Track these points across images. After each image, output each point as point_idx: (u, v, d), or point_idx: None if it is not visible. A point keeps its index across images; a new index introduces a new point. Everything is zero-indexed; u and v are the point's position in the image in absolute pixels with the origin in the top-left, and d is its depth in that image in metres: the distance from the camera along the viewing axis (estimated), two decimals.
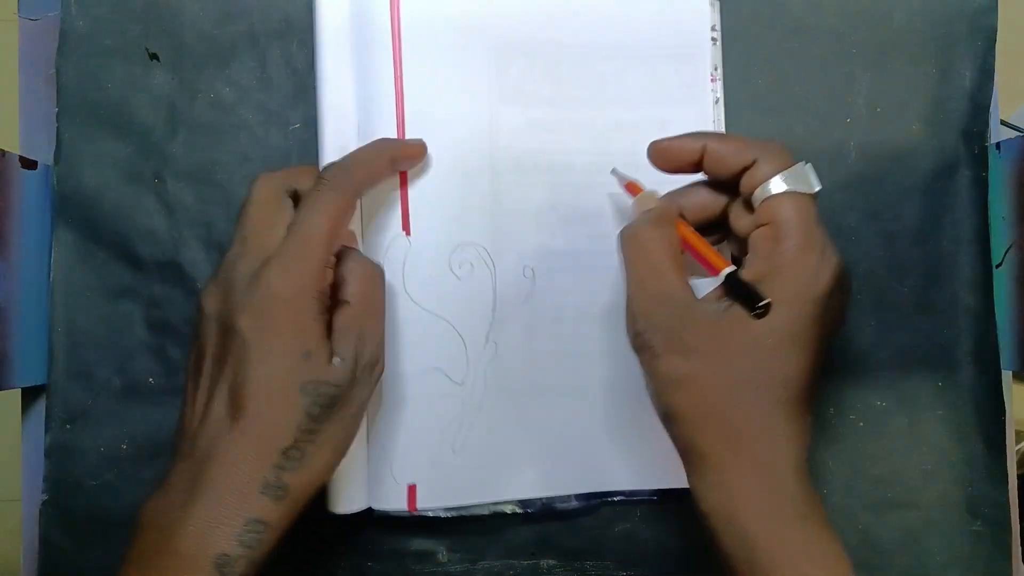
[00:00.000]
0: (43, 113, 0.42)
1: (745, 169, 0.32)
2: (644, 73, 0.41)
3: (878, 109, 0.42)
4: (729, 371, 0.30)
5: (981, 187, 0.41)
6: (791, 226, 0.31)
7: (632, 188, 0.37)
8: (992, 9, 0.42)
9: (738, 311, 0.30)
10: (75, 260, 0.41)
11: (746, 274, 0.31)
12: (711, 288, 0.33)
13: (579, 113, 0.40)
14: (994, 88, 0.42)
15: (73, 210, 0.41)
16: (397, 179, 0.39)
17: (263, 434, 0.30)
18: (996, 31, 0.42)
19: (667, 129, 0.38)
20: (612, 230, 0.38)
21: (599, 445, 0.40)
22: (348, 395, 0.32)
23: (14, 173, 0.40)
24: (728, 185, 0.34)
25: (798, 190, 0.31)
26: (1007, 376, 0.41)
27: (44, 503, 0.40)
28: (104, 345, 0.40)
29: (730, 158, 0.33)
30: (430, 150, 0.38)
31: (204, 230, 0.41)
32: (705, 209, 0.35)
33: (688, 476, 0.32)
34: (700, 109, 0.41)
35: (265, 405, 0.31)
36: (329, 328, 0.33)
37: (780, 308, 0.30)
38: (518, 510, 0.40)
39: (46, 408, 0.40)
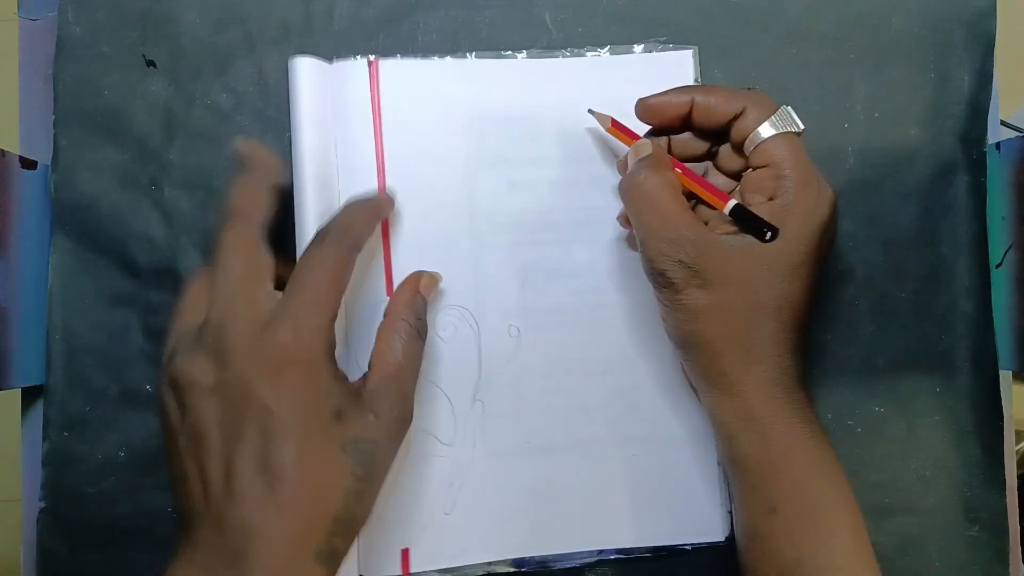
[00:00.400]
0: (43, 113, 0.42)
1: (733, 119, 0.35)
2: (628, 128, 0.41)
3: (876, 114, 0.42)
4: (747, 298, 0.33)
5: (979, 192, 0.41)
6: (788, 165, 0.34)
7: (616, 126, 0.38)
8: (990, 14, 0.42)
9: (749, 241, 0.33)
10: (72, 267, 0.41)
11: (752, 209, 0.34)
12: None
13: (560, 171, 0.41)
14: (993, 92, 0.42)
15: (70, 217, 0.41)
16: (381, 245, 0.40)
17: (311, 502, 0.29)
18: (994, 36, 0.42)
19: None
20: (597, 284, 0.40)
21: (593, 501, 0.40)
22: (385, 449, 0.32)
23: (14, 173, 0.40)
24: (712, 133, 0.36)
25: (787, 131, 0.34)
26: (1006, 376, 0.41)
27: (42, 511, 0.40)
28: (101, 352, 0.40)
29: (718, 109, 0.35)
30: (412, 217, 0.39)
31: (201, 237, 0.41)
32: (687, 149, 0.37)
33: (704, 394, 0.35)
34: None
35: (308, 472, 0.29)
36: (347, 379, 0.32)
37: (788, 238, 0.33)
38: (512, 569, 0.40)
39: (44, 416, 0.40)
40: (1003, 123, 0.46)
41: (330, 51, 0.41)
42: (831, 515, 0.33)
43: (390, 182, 0.40)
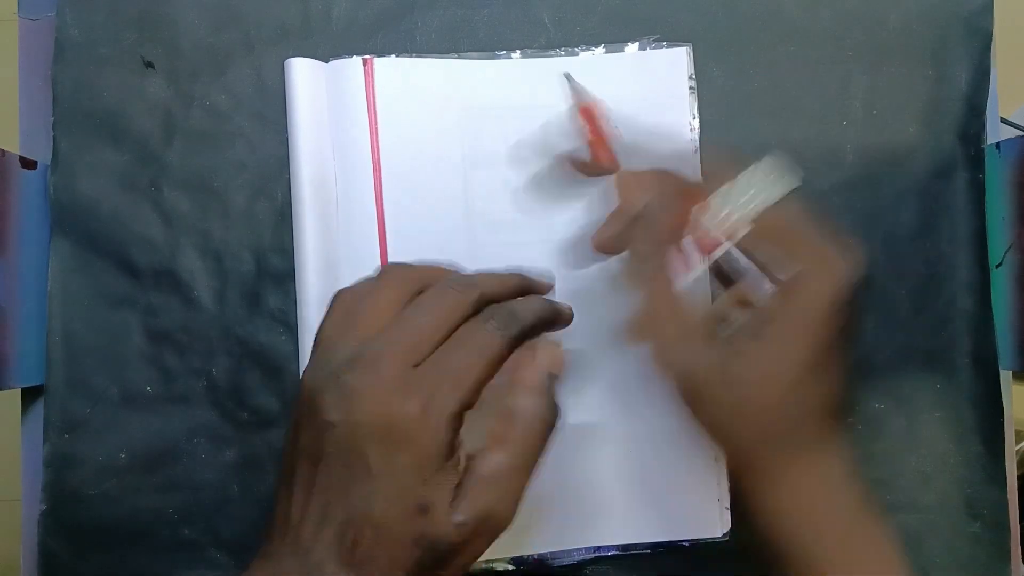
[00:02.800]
0: (43, 113, 0.42)
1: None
2: (622, 124, 0.41)
3: (874, 112, 0.42)
4: (768, 408, 0.31)
5: (978, 189, 0.41)
6: (749, 275, 0.32)
7: (585, 113, 0.36)
8: (987, 10, 0.42)
9: (747, 356, 0.31)
10: (72, 269, 0.41)
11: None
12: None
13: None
14: (991, 89, 0.42)
15: (70, 219, 0.41)
16: (378, 246, 0.39)
17: (377, 572, 0.28)
18: (992, 33, 0.42)
19: None
20: (592, 283, 0.40)
21: (591, 498, 0.40)
22: (462, 551, 0.29)
23: (14, 173, 0.40)
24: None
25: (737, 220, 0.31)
26: (1006, 376, 0.41)
27: (43, 513, 0.40)
28: (102, 354, 0.40)
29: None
30: (407, 216, 0.38)
31: (200, 238, 0.41)
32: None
33: (745, 488, 0.33)
34: (679, 159, 0.41)
35: (376, 551, 0.28)
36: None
37: (798, 343, 0.30)
38: (510, 567, 0.40)
39: (44, 418, 0.40)
40: (1004, 120, 0.46)
41: (328, 51, 0.41)
42: None
43: (386, 181, 0.40)
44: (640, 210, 0.33)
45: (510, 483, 0.29)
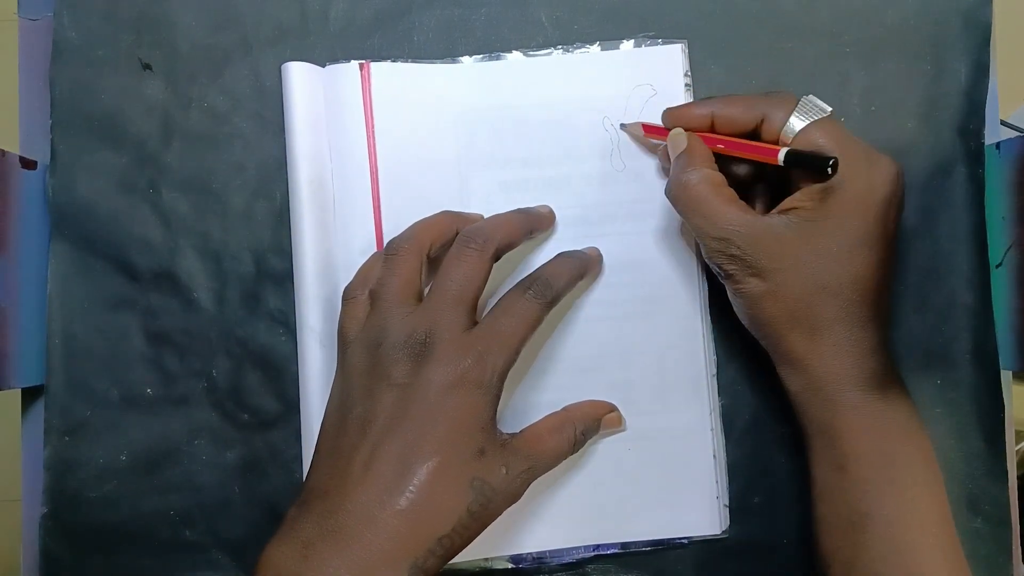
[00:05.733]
0: (43, 113, 0.42)
1: (757, 126, 0.36)
2: (619, 123, 0.41)
3: (873, 108, 0.42)
4: (803, 281, 0.34)
5: (978, 184, 0.41)
6: (829, 148, 0.34)
7: (648, 129, 0.39)
8: (986, 4, 0.42)
9: (801, 224, 0.33)
10: (71, 271, 0.41)
11: (800, 199, 0.34)
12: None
13: (553, 170, 0.41)
14: (991, 85, 0.42)
15: (69, 221, 0.41)
16: (374, 246, 0.40)
17: (426, 518, 0.31)
18: (991, 27, 0.42)
19: (643, 179, 0.41)
20: (590, 281, 0.40)
21: (589, 496, 0.40)
22: (498, 502, 0.33)
23: (14, 173, 0.40)
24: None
25: (816, 118, 0.34)
26: (1007, 376, 0.41)
27: (44, 515, 0.40)
28: (101, 356, 0.40)
29: (738, 120, 0.36)
30: (405, 219, 0.38)
31: (200, 239, 0.41)
32: (736, 124, 0.36)
33: (777, 366, 0.36)
34: None
35: (436, 493, 0.31)
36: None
37: (842, 217, 0.33)
38: (509, 565, 0.40)
39: (44, 420, 0.40)
40: (1003, 123, 0.46)
41: (326, 52, 0.41)
42: (901, 473, 0.34)
43: (383, 185, 0.40)
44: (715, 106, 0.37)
45: (536, 467, 0.34)
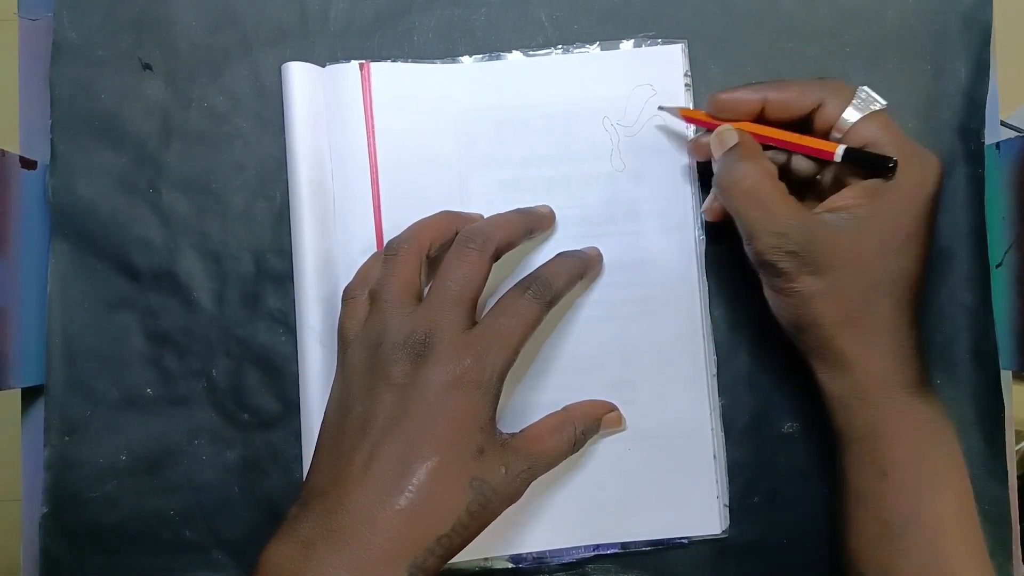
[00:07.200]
0: (43, 113, 0.42)
1: (811, 112, 0.35)
2: (619, 123, 0.41)
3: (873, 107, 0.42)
4: (860, 278, 0.33)
5: (978, 184, 0.41)
6: (885, 142, 0.34)
7: (687, 114, 0.39)
8: (986, 4, 0.42)
9: (854, 221, 0.33)
10: (71, 271, 0.41)
11: (851, 196, 0.34)
12: None
13: (553, 170, 0.41)
14: (991, 85, 0.42)
15: (69, 221, 0.41)
16: (374, 246, 0.40)
17: (426, 518, 0.31)
18: (991, 26, 0.42)
19: (644, 178, 0.41)
20: (590, 281, 0.40)
21: (589, 496, 0.40)
22: (497, 502, 0.33)
23: (14, 173, 0.40)
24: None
25: (872, 110, 0.34)
26: (1007, 376, 0.41)
27: (44, 515, 0.40)
28: (102, 356, 0.40)
29: (794, 104, 0.35)
30: (405, 218, 0.38)
31: (199, 239, 0.41)
32: (789, 110, 0.36)
33: (818, 370, 0.35)
34: (678, 156, 0.41)
35: (435, 493, 0.31)
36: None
37: (898, 211, 0.33)
38: (509, 565, 0.40)
39: (44, 420, 0.40)
40: (1003, 123, 0.46)
41: (326, 52, 0.41)
42: (938, 478, 0.34)
43: (383, 185, 0.40)
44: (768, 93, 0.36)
45: (536, 467, 0.34)
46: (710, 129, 0.37)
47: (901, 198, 0.33)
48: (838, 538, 0.36)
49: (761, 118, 0.36)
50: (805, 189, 0.37)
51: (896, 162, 0.33)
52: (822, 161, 0.35)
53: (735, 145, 0.35)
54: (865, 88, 0.35)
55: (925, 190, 0.34)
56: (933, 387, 0.35)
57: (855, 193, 0.34)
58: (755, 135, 0.36)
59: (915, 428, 0.34)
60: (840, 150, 0.34)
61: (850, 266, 0.33)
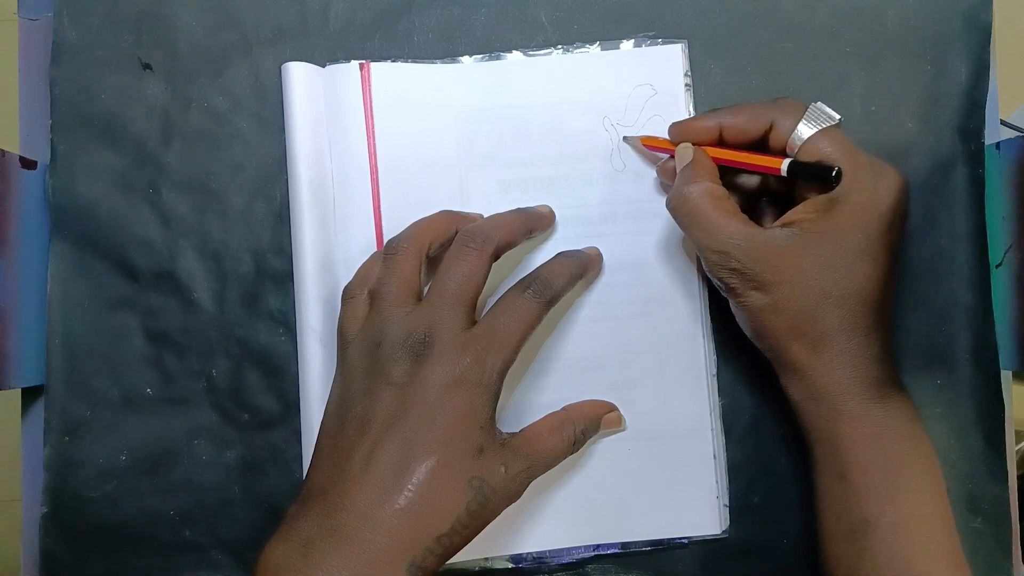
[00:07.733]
0: (43, 113, 0.42)
1: (766, 133, 0.35)
2: (619, 123, 0.41)
3: (873, 108, 0.42)
4: (805, 293, 0.33)
5: (978, 184, 0.41)
6: (835, 158, 0.34)
7: (648, 142, 0.39)
8: (987, 4, 0.42)
9: (803, 236, 0.33)
10: (71, 271, 0.41)
11: (803, 211, 0.34)
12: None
13: (552, 170, 0.41)
14: (991, 85, 0.42)
15: (69, 221, 0.41)
16: (374, 246, 0.40)
17: (425, 517, 0.31)
18: (991, 26, 0.42)
19: (643, 179, 0.41)
20: (589, 281, 0.40)
21: (589, 496, 0.40)
22: (497, 502, 0.33)
23: (14, 173, 0.40)
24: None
25: (824, 126, 0.34)
26: (1007, 376, 0.41)
27: (44, 515, 0.40)
28: (102, 356, 0.40)
29: (747, 128, 0.36)
30: (405, 218, 0.38)
31: (199, 239, 0.41)
32: (745, 133, 0.36)
33: (779, 376, 0.36)
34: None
35: (434, 492, 0.31)
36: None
37: (844, 228, 0.33)
38: (509, 565, 0.40)
39: (44, 420, 0.40)
40: (1003, 123, 0.46)
41: (326, 52, 0.41)
42: (902, 480, 0.34)
43: (383, 185, 0.40)
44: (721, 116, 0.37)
45: (535, 467, 0.34)
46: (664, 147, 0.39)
47: (849, 213, 0.33)
48: (816, 540, 0.36)
49: (720, 142, 0.37)
50: (787, 207, 0.37)
51: (839, 171, 0.33)
52: (780, 178, 0.35)
53: (686, 166, 0.36)
54: (819, 104, 0.35)
55: (878, 205, 0.34)
56: (902, 391, 0.35)
57: (807, 208, 0.34)
58: (711, 153, 0.37)
59: (875, 433, 0.34)
60: (785, 164, 0.34)
61: (795, 281, 0.33)
